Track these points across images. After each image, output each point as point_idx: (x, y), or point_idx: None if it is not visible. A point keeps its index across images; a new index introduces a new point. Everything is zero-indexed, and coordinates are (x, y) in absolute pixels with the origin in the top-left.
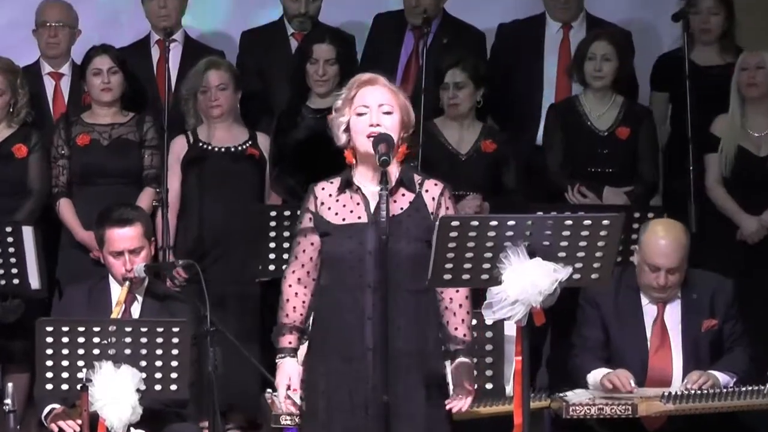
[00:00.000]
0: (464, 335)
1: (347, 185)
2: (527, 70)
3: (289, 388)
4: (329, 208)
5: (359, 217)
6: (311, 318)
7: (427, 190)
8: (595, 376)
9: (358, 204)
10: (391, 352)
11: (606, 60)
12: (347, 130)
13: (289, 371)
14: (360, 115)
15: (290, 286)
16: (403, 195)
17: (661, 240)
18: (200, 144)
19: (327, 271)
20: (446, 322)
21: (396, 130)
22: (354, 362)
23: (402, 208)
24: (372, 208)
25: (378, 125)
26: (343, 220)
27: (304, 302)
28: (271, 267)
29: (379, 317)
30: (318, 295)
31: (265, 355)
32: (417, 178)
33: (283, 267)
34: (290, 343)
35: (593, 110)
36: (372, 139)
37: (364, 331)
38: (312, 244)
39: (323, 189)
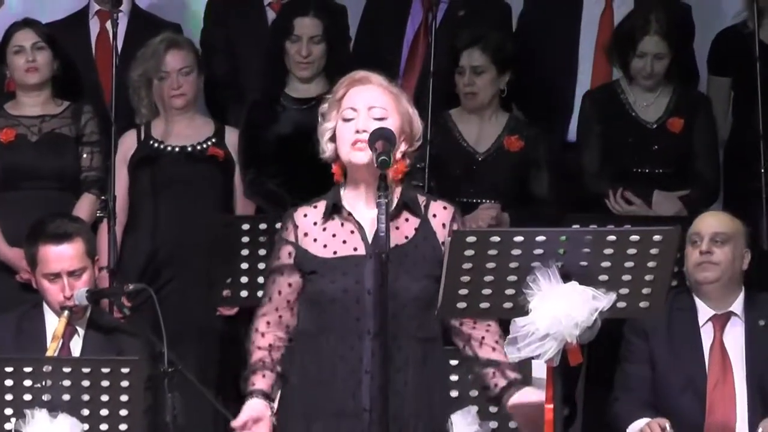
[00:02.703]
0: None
1: (335, 210)
2: (559, 48)
3: (245, 426)
4: (315, 240)
5: (355, 249)
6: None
7: (434, 215)
8: (634, 429)
9: (351, 233)
10: (393, 413)
11: (658, 59)
12: (334, 139)
13: (252, 410)
14: (346, 120)
15: (257, 330)
16: (407, 220)
17: (707, 213)
18: (152, 142)
19: (311, 313)
20: (476, 356)
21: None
22: (346, 424)
23: (407, 237)
24: (370, 237)
25: (365, 131)
26: (335, 253)
27: (275, 345)
28: (243, 293)
29: (378, 370)
30: (297, 342)
31: (234, 401)
32: (421, 199)
33: (259, 293)
34: (254, 384)
35: (639, 98)
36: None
37: (360, 388)
38: (290, 285)
39: (305, 216)
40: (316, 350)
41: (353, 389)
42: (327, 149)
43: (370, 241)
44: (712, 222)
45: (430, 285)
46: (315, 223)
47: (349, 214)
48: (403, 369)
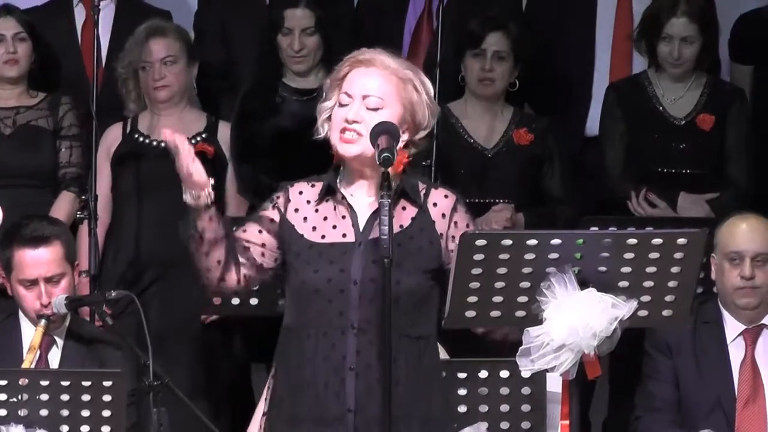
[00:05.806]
0: None
1: (329, 192)
2: (574, 37)
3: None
4: (305, 219)
5: (344, 235)
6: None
7: (434, 204)
8: None
9: (343, 217)
10: (381, 414)
11: (687, 43)
12: (331, 119)
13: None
14: (341, 105)
15: None
16: (404, 209)
17: (742, 224)
18: (137, 136)
19: (293, 306)
20: None
21: None
22: (329, 428)
23: (402, 226)
24: (361, 224)
25: (354, 122)
26: (323, 237)
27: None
28: (235, 300)
29: (364, 368)
30: (281, 339)
31: (224, 417)
32: (421, 186)
33: (252, 301)
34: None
35: (668, 90)
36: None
37: (343, 386)
38: (261, 232)
39: (301, 193)
40: (298, 348)
41: (337, 389)
42: (323, 129)
43: (361, 227)
44: (755, 238)
45: (424, 280)
46: (308, 202)
47: (343, 197)
48: (393, 367)
